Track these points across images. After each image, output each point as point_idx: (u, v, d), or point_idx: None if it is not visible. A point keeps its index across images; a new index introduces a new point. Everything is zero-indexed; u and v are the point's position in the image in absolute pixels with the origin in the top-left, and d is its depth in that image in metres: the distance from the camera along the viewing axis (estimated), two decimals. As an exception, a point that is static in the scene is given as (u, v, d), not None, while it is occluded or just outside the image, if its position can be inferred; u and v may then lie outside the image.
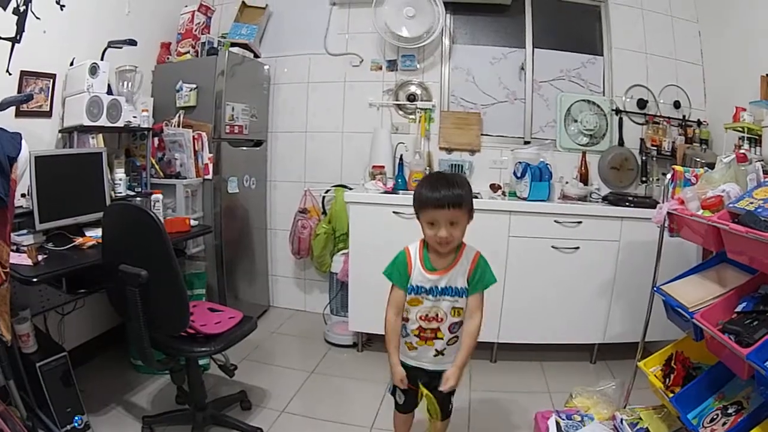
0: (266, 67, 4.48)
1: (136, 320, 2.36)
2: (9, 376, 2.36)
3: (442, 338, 2.16)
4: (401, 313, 2.18)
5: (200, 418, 2.70)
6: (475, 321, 2.14)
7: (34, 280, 2.31)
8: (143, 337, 2.39)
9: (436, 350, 2.18)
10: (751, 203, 2.00)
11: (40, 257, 2.50)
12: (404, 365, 2.24)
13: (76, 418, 2.59)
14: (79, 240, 2.85)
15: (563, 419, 2.58)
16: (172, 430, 2.75)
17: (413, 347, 2.21)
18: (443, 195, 1.99)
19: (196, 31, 4.13)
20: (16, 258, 2.43)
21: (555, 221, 3.51)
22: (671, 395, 2.22)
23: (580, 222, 3.51)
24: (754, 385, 1.96)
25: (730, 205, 2.10)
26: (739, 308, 2.04)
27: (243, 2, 4.47)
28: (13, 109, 2.77)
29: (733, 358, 1.88)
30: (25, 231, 2.72)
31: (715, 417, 2.05)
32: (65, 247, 2.76)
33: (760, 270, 2.04)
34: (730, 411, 2.03)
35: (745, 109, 3.08)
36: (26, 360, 2.51)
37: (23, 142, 2.16)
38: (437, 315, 2.14)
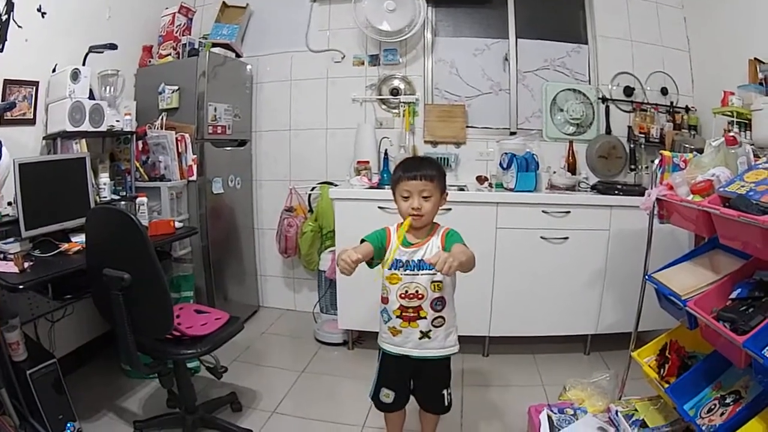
0: (248, 66, 4.46)
1: (121, 324, 2.37)
2: (1, 384, 2.38)
3: (425, 317, 2.17)
4: (362, 250, 2.14)
5: (190, 421, 2.70)
6: (467, 252, 2.08)
7: (20, 287, 2.30)
8: (129, 340, 2.39)
9: (420, 332, 2.19)
10: (743, 186, 1.96)
11: (26, 264, 2.48)
12: (389, 356, 2.27)
13: (68, 425, 2.58)
14: (65, 246, 2.83)
15: (555, 413, 2.56)
16: (163, 435, 2.75)
17: (397, 331, 2.22)
18: (416, 169, 2.17)
19: (177, 33, 4.11)
20: (2, 266, 2.45)
21: (543, 211, 3.51)
22: (666, 386, 2.20)
23: (568, 212, 3.50)
24: (751, 374, 1.95)
25: (721, 189, 2.05)
26: (733, 295, 2.00)
27: (223, 2, 4.45)
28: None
29: (728, 346, 1.85)
30: (11, 239, 2.72)
31: (712, 407, 2.02)
32: (51, 254, 2.75)
33: (754, 255, 2.00)
34: (728, 401, 2.00)
35: (733, 93, 3.09)
36: (17, 368, 2.49)
37: (3, 149, 2.14)
38: (417, 291, 2.16)
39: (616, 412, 2.44)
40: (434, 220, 2.24)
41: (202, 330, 2.58)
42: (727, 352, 1.97)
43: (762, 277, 1.96)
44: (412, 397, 2.40)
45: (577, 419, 2.53)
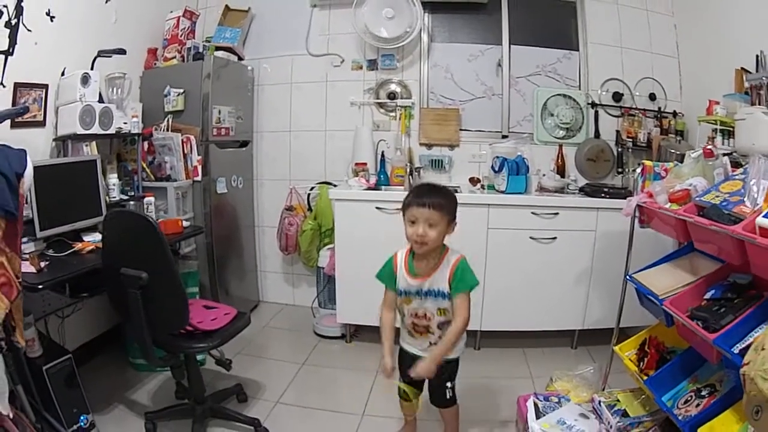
0: (250, 68, 4.57)
1: (138, 321, 2.48)
2: (17, 381, 2.42)
3: (433, 333, 2.36)
4: (393, 309, 2.39)
5: (200, 411, 2.80)
6: (457, 322, 2.29)
7: (40, 287, 2.39)
8: (145, 336, 2.51)
9: (429, 342, 2.38)
10: (717, 197, 2.12)
11: (42, 264, 2.57)
12: (404, 352, 2.47)
13: (82, 417, 2.67)
14: (78, 245, 2.93)
15: (541, 401, 2.73)
16: (174, 425, 2.85)
17: (411, 335, 2.43)
18: (425, 196, 2.25)
19: (181, 36, 4.21)
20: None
21: (532, 213, 3.65)
22: (645, 378, 2.36)
23: (557, 213, 3.65)
24: (724, 370, 2.11)
25: (697, 199, 2.21)
26: (708, 295, 2.15)
27: (226, 5, 4.54)
28: (8, 120, 2.82)
29: (702, 343, 2.00)
30: (26, 239, 2.75)
31: (689, 399, 2.17)
32: (65, 253, 2.84)
33: (726, 260, 2.17)
34: (703, 393, 2.15)
35: (718, 103, 3.16)
36: (32, 364, 2.56)
37: (28, 158, 2.24)
38: (425, 314, 2.34)
39: (599, 402, 2.59)
40: (445, 242, 2.35)
41: (213, 325, 2.70)
42: (701, 348, 2.14)
43: (736, 279, 2.10)
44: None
45: (561, 407, 2.69)
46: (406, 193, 2.38)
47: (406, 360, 2.45)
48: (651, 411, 2.46)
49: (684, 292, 2.25)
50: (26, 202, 2.73)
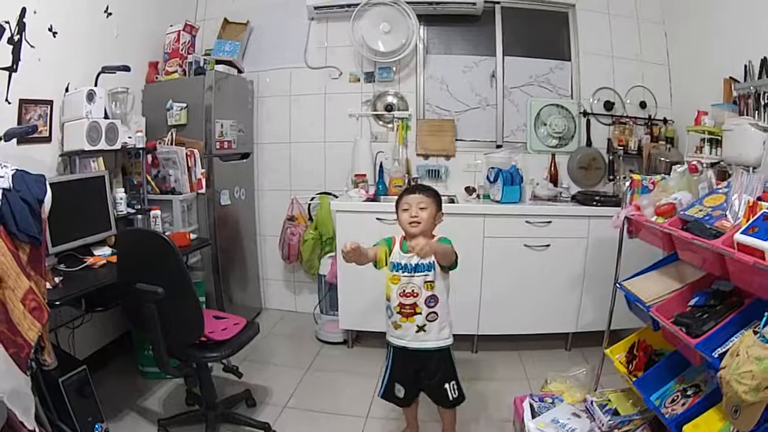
0: (250, 81, 4.65)
1: (153, 333, 2.59)
2: (34, 393, 2.44)
3: (420, 313, 2.52)
4: (372, 250, 2.57)
5: (212, 417, 2.89)
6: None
7: (57, 303, 2.43)
8: (161, 347, 2.62)
9: (417, 326, 2.53)
10: (701, 211, 2.26)
11: (56, 279, 2.63)
12: (395, 351, 2.63)
13: (97, 426, 2.71)
14: (90, 260, 3.01)
15: (536, 402, 2.85)
16: (186, 430, 2.95)
17: (398, 325, 2.57)
18: (414, 188, 2.68)
19: (182, 50, 4.27)
20: None
21: (526, 221, 3.77)
22: (634, 379, 2.49)
23: (550, 222, 3.77)
24: (708, 372, 2.24)
25: (681, 213, 2.35)
26: (692, 302, 2.28)
27: (225, 18, 4.62)
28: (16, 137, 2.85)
29: (686, 347, 2.13)
30: None
31: (675, 398, 2.29)
32: (78, 268, 2.90)
33: (708, 270, 2.30)
34: (689, 393, 2.27)
35: (706, 113, 3.21)
36: (47, 376, 2.58)
37: (47, 184, 2.32)
38: (413, 290, 2.51)
39: (591, 402, 2.71)
40: (433, 233, 2.59)
41: (224, 335, 2.80)
42: (685, 352, 2.28)
43: (719, 286, 2.24)
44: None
45: (555, 407, 2.81)
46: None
47: (397, 361, 2.63)
48: (640, 410, 2.58)
49: (670, 298, 2.38)
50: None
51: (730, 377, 1.67)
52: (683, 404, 2.24)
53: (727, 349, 1.84)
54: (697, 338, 2.00)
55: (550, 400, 2.87)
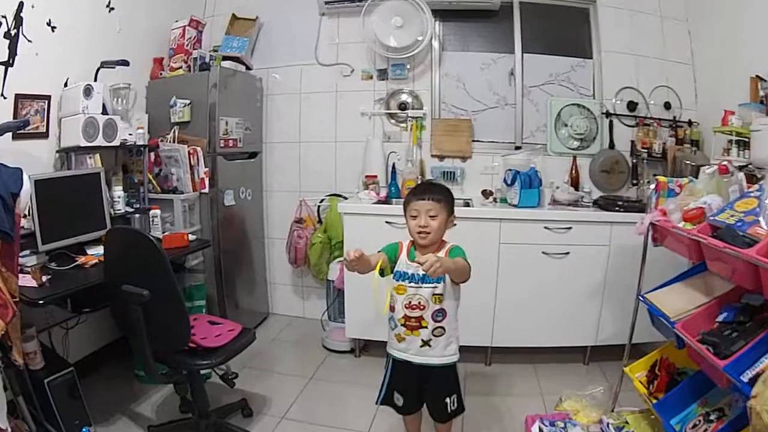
0: (259, 78, 4.54)
1: (139, 337, 2.48)
2: (18, 392, 2.47)
3: (426, 327, 2.31)
4: (374, 258, 2.31)
5: (204, 426, 2.80)
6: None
7: (41, 302, 2.38)
8: (147, 352, 2.51)
9: (422, 340, 2.33)
10: (732, 216, 2.05)
11: (44, 278, 2.57)
12: (396, 361, 2.43)
13: (84, 429, 2.66)
14: (82, 259, 2.92)
15: (546, 426, 2.68)
16: (176, 439, 2.85)
17: (402, 338, 2.37)
18: (424, 192, 2.38)
19: (187, 46, 4.18)
20: (21, 280, 2.47)
21: (545, 227, 3.58)
22: (655, 401, 2.30)
23: (570, 228, 3.58)
24: (734, 394, 2.04)
25: (711, 218, 2.14)
26: (720, 318, 2.10)
27: (233, 14, 4.52)
28: (10, 132, 2.82)
29: (712, 367, 1.94)
30: (27, 252, 2.77)
31: (697, 423, 2.11)
32: (68, 267, 2.83)
33: (738, 282, 2.10)
34: (711, 417, 2.10)
35: (733, 113, 3.09)
36: (34, 376, 2.58)
37: (25, 176, 2.23)
38: (419, 303, 2.30)
39: (608, 424, 2.54)
40: (444, 239, 2.40)
41: (216, 341, 2.68)
42: (710, 373, 2.07)
43: (749, 301, 2.04)
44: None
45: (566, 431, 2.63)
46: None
47: (397, 370, 2.44)
48: (660, 434, 2.40)
49: (696, 313, 2.20)
50: (26, 216, 2.76)
51: (761, 409, 1.49)
52: (705, 430, 2.07)
53: (757, 373, 1.67)
54: (725, 359, 1.81)
55: (562, 425, 2.69)
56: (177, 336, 2.51)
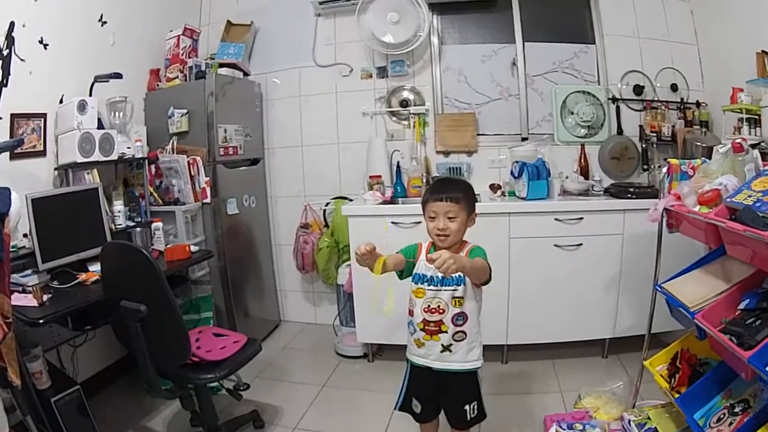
0: (257, 84, 4.49)
1: (140, 352, 2.45)
2: (26, 412, 2.45)
3: (446, 331, 2.22)
4: (393, 258, 2.24)
5: None
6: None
7: (41, 321, 2.36)
8: (148, 367, 2.47)
9: (442, 345, 2.24)
10: (750, 196, 1.96)
11: (45, 297, 2.54)
12: (415, 367, 2.34)
13: None
14: (83, 276, 2.89)
15: (564, 429, 2.59)
16: (186, 454, 2.81)
17: (421, 344, 2.28)
18: (442, 191, 2.24)
19: (183, 55, 4.14)
20: (22, 299, 2.50)
21: (556, 219, 3.49)
22: (677, 396, 2.20)
23: (581, 218, 3.48)
24: (759, 384, 1.94)
25: (728, 200, 2.06)
26: (742, 305, 2.01)
27: (228, 21, 4.48)
28: (7, 152, 2.81)
29: (735, 358, 1.84)
30: (29, 272, 2.77)
31: (722, 416, 2.03)
32: (69, 285, 2.80)
33: (759, 267, 2.00)
34: (736, 410, 2.01)
35: (742, 90, 3.02)
36: (41, 396, 2.55)
37: (13, 195, 2.18)
38: (439, 306, 2.21)
39: (629, 421, 2.46)
40: (464, 238, 2.30)
41: (221, 354, 2.64)
42: (734, 363, 1.98)
43: (770, 285, 1.95)
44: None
45: (585, 433, 2.55)
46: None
47: (416, 376, 2.36)
48: (683, 428, 2.31)
49: (716, 302, 2.10)
50: (27, 236, 2.73)
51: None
52: (730, 423, 1.98)
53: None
54: (749, 350, 1.71)
55: (581, 427, 2.60)
56: (177, 351, 2.46)
